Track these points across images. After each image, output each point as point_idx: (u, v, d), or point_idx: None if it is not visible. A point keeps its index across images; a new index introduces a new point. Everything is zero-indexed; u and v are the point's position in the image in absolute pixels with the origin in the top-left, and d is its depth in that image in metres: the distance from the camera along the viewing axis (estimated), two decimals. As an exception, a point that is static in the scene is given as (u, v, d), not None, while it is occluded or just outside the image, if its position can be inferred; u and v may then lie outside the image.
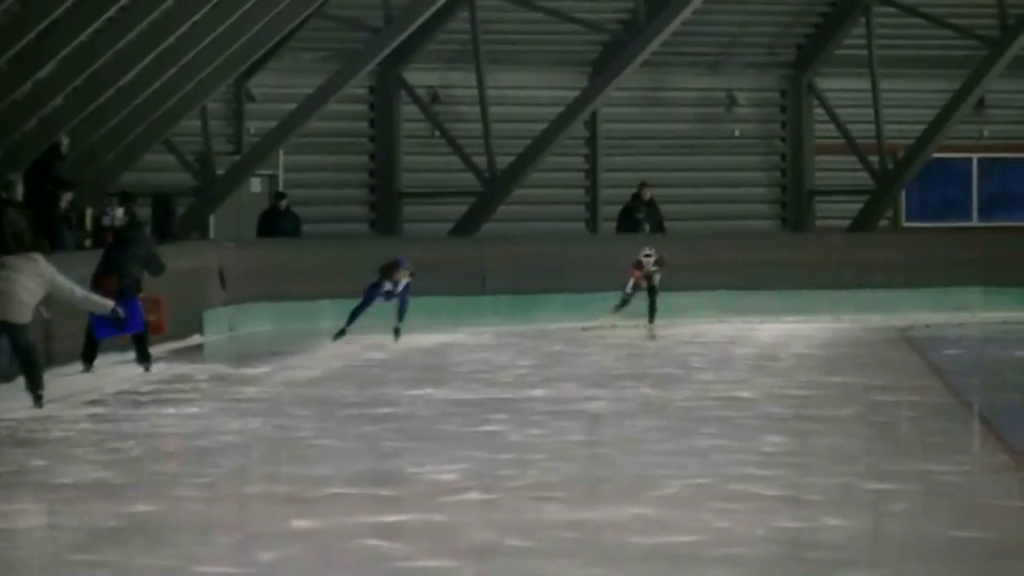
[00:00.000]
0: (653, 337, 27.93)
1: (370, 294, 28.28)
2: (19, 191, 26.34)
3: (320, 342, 30.20)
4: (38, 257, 20.40)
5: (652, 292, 29.94)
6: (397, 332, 28.38)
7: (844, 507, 13.98)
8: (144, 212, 33.73)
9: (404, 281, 27.86)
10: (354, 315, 28.43)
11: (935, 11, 41.68)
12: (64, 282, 20.39)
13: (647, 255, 29.28)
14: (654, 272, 29.16)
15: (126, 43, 28.14)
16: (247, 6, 30.81)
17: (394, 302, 28.24)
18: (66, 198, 27.30)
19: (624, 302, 29.63)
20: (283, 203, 37.27)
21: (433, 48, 40.06)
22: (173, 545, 12.55)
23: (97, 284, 23.34)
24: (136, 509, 14.11)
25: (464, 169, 40.19)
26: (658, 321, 31.34)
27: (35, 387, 20.12)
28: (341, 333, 28.26)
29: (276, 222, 36.87)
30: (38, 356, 20.36)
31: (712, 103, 42.52)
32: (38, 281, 20.08)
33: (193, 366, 23.73)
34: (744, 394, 22.30)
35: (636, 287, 29.27)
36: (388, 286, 27.92)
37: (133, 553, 12.28)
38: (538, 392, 22.04)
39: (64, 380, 23.15)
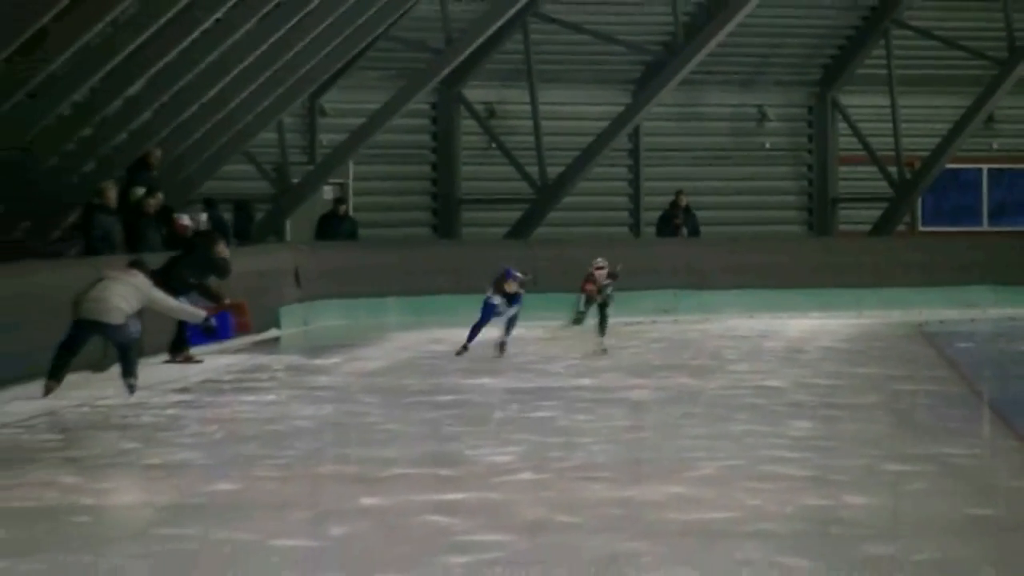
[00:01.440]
0: (604, 351, 25.03)
1: (487, 311, 24.85)
2: (113, 197, 26.34)
3: (386, 335, 30.19)
4: (137, 273, 20.50)
5: (603, 306, 25.61)
6: (502, 347, 24.78)
7: (866, 487, 13.96)
8: (225, 217, 33.68)
9: (514, 292, 24.43)
10: (474, 332, 25.00)
11: (948, 34, 41.55)
12: (160, 295, 20.47)
13: (599, 267, 25.08)
14: (607, 286, 25.13)
15: (209, 63, 28.17)
16: (320, 28, 30.83)
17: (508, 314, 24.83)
18: (153, 203, 27.28)
19: (577, 320, 25.75)
20: (342, 208, 37.20)
21: (489, 67, 40.03)
22: (251, 520, 12.57)
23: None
24: (218, 487, 14.14)
25: (518, 178, 40.17)
26: (626, 325, 30.16)
27: (127, 375, 20.18)
28: (464, 349, 24.93)
29: (335, 226, 36.82)
30: (135, 351, 20.40)
31: (744, 118, 42.43)
32: (133, 292, 20.15)
33: (270, 357, 23.74)
34: (774, 383, 22.25)
35: (589, 301, 25.33)
36: (499, 299, 24.67)
37: (214, 527, 12.30)
38: (585, 381, 22.01)
39: (153, 370, 23.18)
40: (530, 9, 38.92)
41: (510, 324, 24.88)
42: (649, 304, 33.70)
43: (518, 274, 24.80)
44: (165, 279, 23.08)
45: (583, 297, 25.22)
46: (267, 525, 12.29)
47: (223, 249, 24.38)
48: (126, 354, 20.33)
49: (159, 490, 13.92)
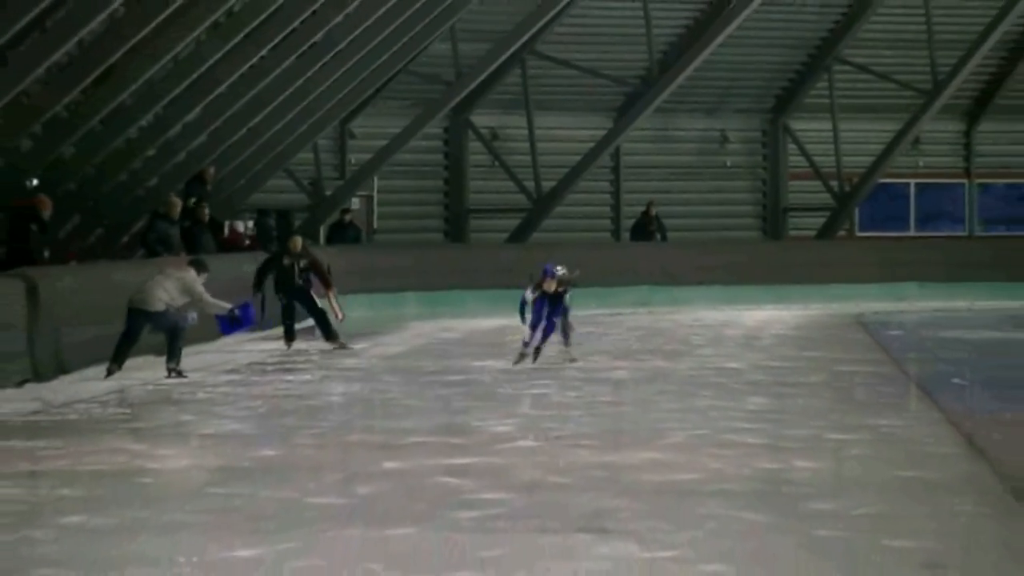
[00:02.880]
0: (573, 360, 21.14)
1: (539, 306, 20.07)
2: (178, 210, 26.39)
3: (405, 324, 30.18)
4: (189, 269, 20.47)
5: (556, 313, 20.53)
6: (569, 353, 21.02)
7: (812, 452, 13.96)
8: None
9: (554, 290, 19.78)
10: (539, 332, 20.27)
11: (882, 68, 41.53)
12: (200, 290, 20.42)
13: (554, 275, 20.15)
14: (561, 293, 20.23)
15: (254, 94, 28.17)
16: (348, 65, 30.84)
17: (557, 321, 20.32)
18: (201, 212, 27.30)
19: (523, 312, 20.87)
20: (347, 217, 37.18)
21: (493, 97, 40.00)
22: (291, 482, 12.55)
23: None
24: (262, 453, 14.14)
25: (517, 191, 40.17)
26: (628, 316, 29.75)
27: (169, 359, 20.18)
28: (533, 354, 20.39)
29: (342, 232, 36.84)
30: (179, 339, 20.36)
31: (708, 140, 42.40)
32: (178, 286, 20.12)
33: (307, 343, 23.74)
34: (734, 365, 22.25)
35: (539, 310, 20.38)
36: (530, 295, 20.01)
37: (259, 488, 12.30)
38: (571, 365, 21.99)
39: (208, 354, 23.19)
40: (527, 47, 38.89)
41: (565, 332, 20.65)
42: (627, 298, 33.75)
43: (558, 269, 20.25)
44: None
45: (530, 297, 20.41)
46: (304, 485, 12.29)
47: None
48: (170, 340, 20.31)
49: (212, 456, 13.94)
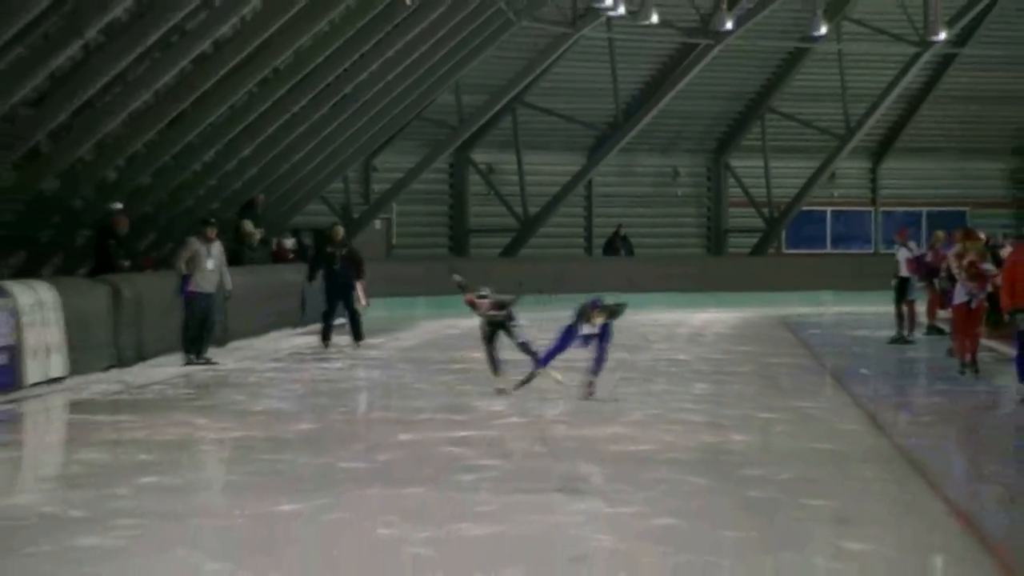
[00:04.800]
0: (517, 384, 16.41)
1: (565, 337, 16.12)
2: (250, 230, 26.53)
3: (416, 323, 30.13)
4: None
5: (508, 333, 16.45)
6: (591, 387, 15.87)
7: (745, 428, 13.95)
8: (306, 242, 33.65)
9: (601, 322, 15.74)
10: (548, 357, 16.40)
11: (804, 117, 41.57)
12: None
13: (482, 296, 16.35)
14: (502, 317, 16.29)
15: (297, 135, 28.21)
16: (372, 113, 30.84)
17: (592, 348, 15.98)
18: (258, 234, 27.29)
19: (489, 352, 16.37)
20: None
21: (489, 138, 40.01)
22: (325, 450, 12.56)
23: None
24: (301, 427, 14.13)
25: (508, 215, 40.21)
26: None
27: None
28: (529, 379, 16.26)
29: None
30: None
31: (663, 175, 42.40)
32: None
33: (338, 337, 23.68)
34: (682, 357, 22.27)
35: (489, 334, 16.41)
36: (586, 329, 15.79)
37: (299, 455, 12.30)
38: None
39: (257, 345, 23.18)
40: (517, 99, 38.92)
41: (598, 361, 16.00)
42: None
43: (608, 304, 16.08)
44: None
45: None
46: (335, 453, 12.30)
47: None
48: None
49: (260, 428, 13.93)
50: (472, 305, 16.27)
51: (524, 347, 16.44)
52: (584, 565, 8.35)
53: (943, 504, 10.13)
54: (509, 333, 16.30)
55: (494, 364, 16.39)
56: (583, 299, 16.21)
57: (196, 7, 20.84)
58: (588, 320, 15.67)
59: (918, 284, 24.29)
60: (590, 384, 15.79)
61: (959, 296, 19.07)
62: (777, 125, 41.90)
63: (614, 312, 15.76)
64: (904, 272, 24.23)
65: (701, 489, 10.68)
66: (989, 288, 19.06)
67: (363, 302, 23.11)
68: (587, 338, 15.77)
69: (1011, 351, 18.76)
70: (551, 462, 11.76)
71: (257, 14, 22.84)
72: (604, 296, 15.97)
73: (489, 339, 16.37)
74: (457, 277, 17.22)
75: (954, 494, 10.44)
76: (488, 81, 37.34)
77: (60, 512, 9.96)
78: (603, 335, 15.74)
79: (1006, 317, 16.64)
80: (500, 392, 16.03)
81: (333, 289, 23.12)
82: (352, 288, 22.93)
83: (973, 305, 18.75)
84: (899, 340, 23.76)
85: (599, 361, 15.83)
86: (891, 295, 24.44)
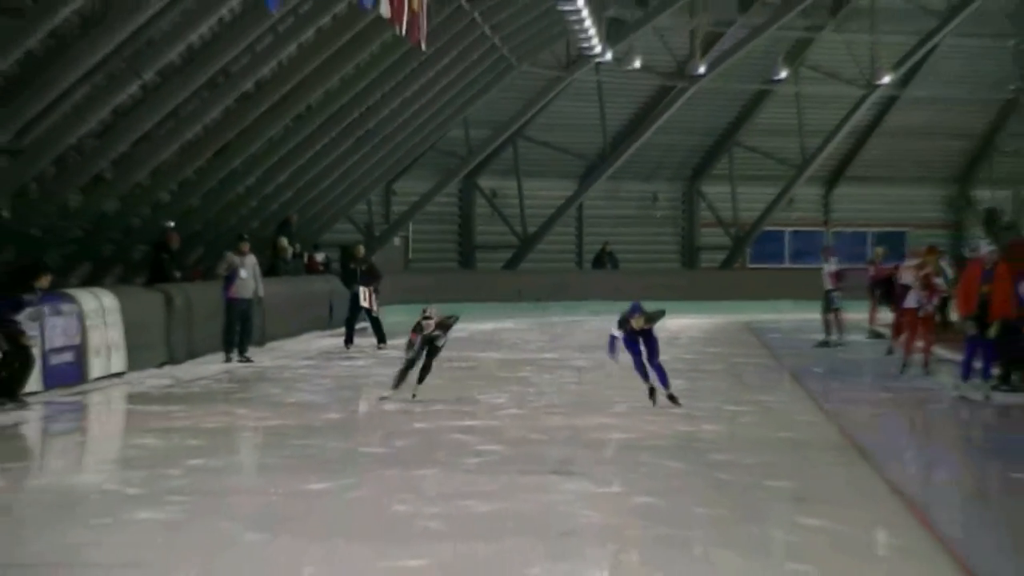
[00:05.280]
0: (414, 396, 14.91)
1: (632, 347, 14.18)
2: (286, 247, 26.54)
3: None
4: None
5: (431, 354, 15.11)
6: (673, 399, 14.05)
7: (715, 419, 13.94)
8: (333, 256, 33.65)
9: (642, 327, 14.07)
10: (641, 372, 14.14)
11: (766, 149, 41.54)
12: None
13: (427, 317, 15.13)
14: (436, 336, 15.06)
15: (325, 164, 28.20)
16: (392, 145, 30.87)
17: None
18: (292, 250, 27.28)
19: (407, 366, 15.12)
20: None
21: (493, 167, 39.97)
22: (350, 436, 12.59)
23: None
24: (329, 416, 14.12)
25: (510, 233, 40.18)
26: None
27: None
28: (653, 392, 14.01)
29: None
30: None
31: (645, 198, 42.28)
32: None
33: (361, 339, 23.65)
34: (662, 357, 22.18)
35: (411, 345, 15.15)
36: (634, 341, 14.10)
37: (327, 440, 12.29)
38: (548, 355, 21.94)
39: (292, 347, 23.15)
40: (518, 133, 38.93)
41: (659, 374, 14.23)
42: (586, 309, 33.55)
43: (644, 311, 14.38)
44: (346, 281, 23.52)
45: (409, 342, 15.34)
46: (357, 439, 12.32)
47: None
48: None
49: (293, 417, 13.92)
50: (420, 325, 14.96)
51: (423, 372, 15.07)
52: (574, 538, 8.35)
53: (886, 485, 10.13)
54: (432, 351, 15.04)
55: (401, 377, 14.94)
56: (574, 306, 15.99)
57: (240, 52, 20.87)
58: (627, 325, 14.15)
59: (837, 295, 24.26)
60: (671, 396, 14.18)
61: (910, 302, 19.11)
62: (743, 156, 41.86)
63: (652, 318, 14.20)
64: (828, 285, 24.26)
65: (677, 472, 10.69)
66: (936, 301, 19.11)
67: (365, 303, 23.03)
68: (635, 347, 14.12)
69: (947, 354, 18.84)
70: (546, 448, 11.76)
71: (293, 59, 22.88)
72: (643, 307, 14.39)
73: (411, 362, 14.98)
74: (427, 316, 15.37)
75: (896, 476, 10.43)
76: (492, 117, 37.35)
77: (119, 489, 9.97)
78: (656, 347, 14.22)
79: (958, 323, 16.61)
80: (383, 400, 14.85)
81: (355, 299, 23.12)
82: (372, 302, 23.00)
83: (921, 313, 18.78)
84: (824, 344, 23.74)
85: (659, 373, 14.23)
86: (845, 304, 24.36)
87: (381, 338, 23.06)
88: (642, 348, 14.18)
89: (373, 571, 7.46)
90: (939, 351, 19.13)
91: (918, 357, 18.73)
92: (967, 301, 14.96)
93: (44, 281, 14.77)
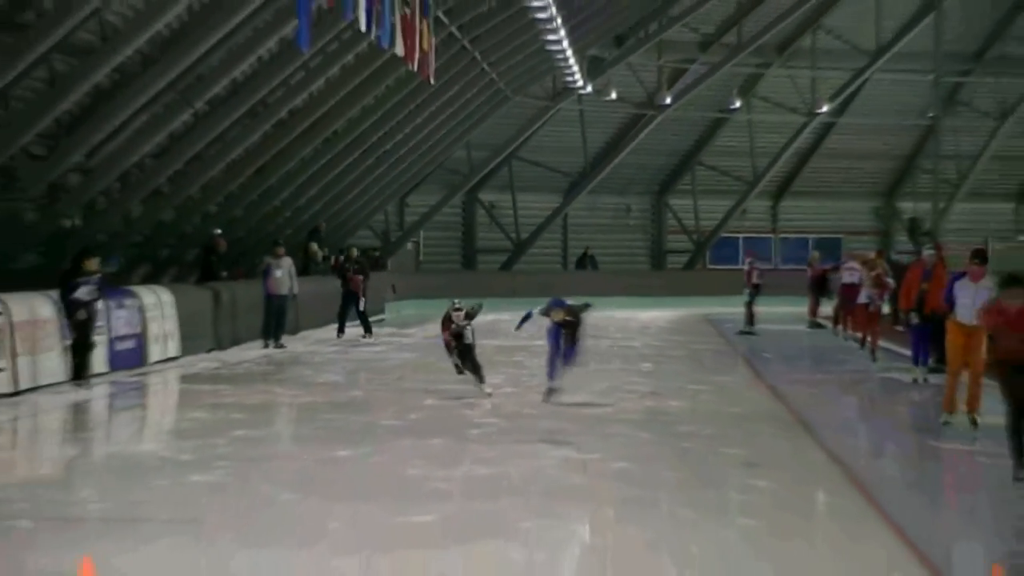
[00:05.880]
0: (489, 395, 13.25)
1: (552, 339, 12.96)
2: (315, 252, 26.53)
3: (439, 319, 30.06)
4: None
5: (469, 350, 13.35)
6: (550, 391, 12.84)
7: (678, 396, 13.93)
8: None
9: (563, 319, 12.88)
10: (553, 366, 12.87)
11: (723, 167, 41.47)
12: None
13: (457, 309, 13.41)
14: (464, 327, 13.29)
15: (349, 181, 28.17)
16: (405, 164, 30.84)
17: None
18: (320, 252, 27.22)
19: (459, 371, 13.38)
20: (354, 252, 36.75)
21: (491, 183, 39.87)
22: (369, 411, 12.55)
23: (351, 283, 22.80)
24: (352, 394, 14.13)
25: (505, 239, 40.12)
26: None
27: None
28: (551, 392, 12.76)
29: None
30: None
31: (620, 209, 42.16)
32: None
33: (380, 328, 23.64)
34: (633, 344, 22.20)
35: (450, 348, 13.43)
36: (557, 332, 12.74)
37: (350, 415, 12.29)
38: (538, 343, 21.73)
39: (318, 336, 23.12)
40: (512, 153, 38.91)
41: (566, 357, 12.91)
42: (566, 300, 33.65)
43: (567, 303, 13.24)
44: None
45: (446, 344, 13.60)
46: (377, 415, 12.29)
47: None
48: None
49: (322, 395, 13.93)
50: (450, 322, 13.45)
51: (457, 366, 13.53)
52: (559, 498, 8.35)
53: (824, 453, 10.14)
54: (461, 342, 13.41)
55: (476, 369, 13.46)
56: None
57: (276, 85, 20.88)
58: (548, 315, 12.85)
59: (749, 291, 24.48)
60: (549, 389, 12.89)
61: (862, 298, 19.22)
62: (703, 174, 41.80)
63: (573, 311, 12.82)
64: (755, 281, 24.58)
65: (647, 441, 10.69)
66: (886, 297, 19.17)
67: (361, 299, 22.71)
68: (558, 335, 12.74)
69: (886, 343, 18.87)
70: (536, 421, 11.74)
71: (321, 91, 22.90)
72: (567, 299, 13.48)
73: (451, 347, 13.52)
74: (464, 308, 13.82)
75: (832, 446, 10.44)
76: (490, 141, 37.32)
77: (174, 456, 9.96)
78: (571, 329, 12.82)
79: (903, 315, 16.66)
80: (488, 396, 13.21)
81: (346, 295, 22.74)
82: (357, 296, 22.61)
83: (871, 308, 18.84)
84: (745, 332, 23.80)
85: (569, 354, 12.87)
86: (788, 300, 24.45)
87: (366, 329, 22.92)
88: (561, 343, 12.74)
89: (390, 526, 7.45)
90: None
91: (854, 342, 18.75)
92: (908, 296, 14.97)
93: (91, 264, 14.35)
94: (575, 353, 12.95)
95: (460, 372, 13.45)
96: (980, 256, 11.47)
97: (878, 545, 7.04)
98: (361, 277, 22.87)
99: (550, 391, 12.93)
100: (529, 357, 18.66)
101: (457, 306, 13.58)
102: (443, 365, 15.36)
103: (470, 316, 13.54)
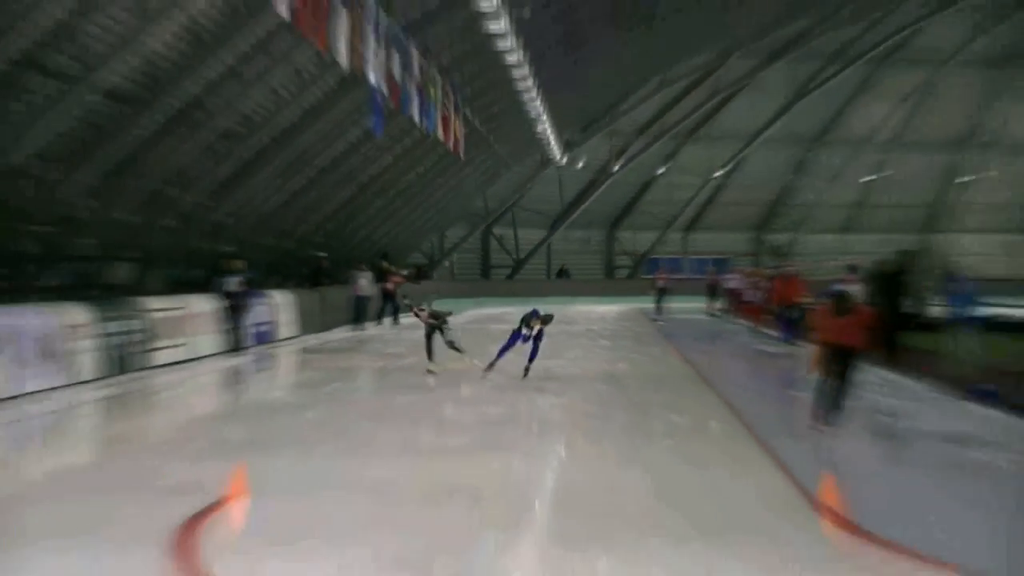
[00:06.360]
0: (477, 365, 12.22)
1: (512, 338, 11.81)
2: (385, 265, 25.22)
3: (465, 312, 29.58)
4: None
5: (433, 332, 12.45)
6: (527, 370, 11.54)
7: (624, 362, 13.81)
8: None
9: (537, 328, 11.71)
10: (501, 352, 11.85)
11: (652, 211, 41.03)
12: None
13: (421, 309, 12.59)
14: (541, 329, 11.79)
15: (407, 221, 28.06)
16: (442, 210, 30.71)
17: (529, 345, 11.64)
18: (391, 268, 26.98)
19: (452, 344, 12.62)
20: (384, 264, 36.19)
21: (501, 222, 39.68)
22: (418, 373, 12.41)
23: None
24: (409, 361, 13.98)
25: (509, 259, 39.98)
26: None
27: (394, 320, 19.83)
28: (491, 366, 11.84)
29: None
30: (367, 313, 20.17)
31: (584, 241, 41.83)
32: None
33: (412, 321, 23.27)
34: (594, 328, 22.01)
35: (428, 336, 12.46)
36: (525, 331, 11.62)
37: (406, 374, 12.15)
38: (526, 331, 21.61)
39: (384, 324, 23.01)
40: (515, 203, 38.86)
41: (532, 353, 11.63)
42: (551, 302, 33.41)
43: (541, 316, 11.88)
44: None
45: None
46: (423, 375, 12.17)
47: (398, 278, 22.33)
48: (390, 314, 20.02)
49: (389, 362, 13.85)
50: (416, 315, 12.58)
51: (451, 344, 12.34)
52: (547, 426, 8.37)
53: (717, 397, 10.15)
54: (442, 333, 12.31)
55: (429, 353, 12.34)
56: (545, 299, 15.63)
57: (359, 158, 20.56)
58: (528, 326, 11.65)
59: (657, 293, 24.59)
60: (526, 368, 11.46)
61: (748, 297, 19.29)
62: (639, 215, 41.73)
63: (546, 320, 11.69)
64: (658, 286, 24.91)
65: (605, 392, 10.67)
66: (761, 296, 19.17)
67: (401, 300, 21.45)
68: (526, 338, 11.57)
69: (769, 330, 18.80)
70: (529, 381, 11.68)
71: (389, 164, 22.57)
72: (540, 309, 12.36)
73: (429, 336, 12.46)
74: (406, 300, 13.47)
75: (723, 392, 10.44)
76: (499, 194, 37.34)
77: (294, 401, 9.99)
78: (538, 336, 11.55)
79: (772, 308, 16.71)
80: (430, 373, 11.83)
81: (384, 293, 21.53)
82: (393, 295, 21.30)
83: (755, 302, 18.87)
84: (655, 319, 23.66)
85: (533, 353, 11.50)
86: (697, 299, 24.41)
87: (395, 321, 21.37)
88: (519, 342, 11.40)
89: (434, 445, 7.49)
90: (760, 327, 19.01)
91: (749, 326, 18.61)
92: (778, 299, 14.88)
93: (236, 264, 14.56)
94: (536, 351, 11.40)
95: (430, 358, 11.77)
96: (852, 268, 11.56)
97: (747, 450, 7.12)
98: (399, 278, 22.20)
99: (491, 366, 11.45)
100: (522, 342, 18.54)
101: (422, 307, 12.06)
102: (467, 341, 15.22)
103: (435, 316, 11.99)
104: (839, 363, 8.01)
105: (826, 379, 8.11)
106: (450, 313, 12.48)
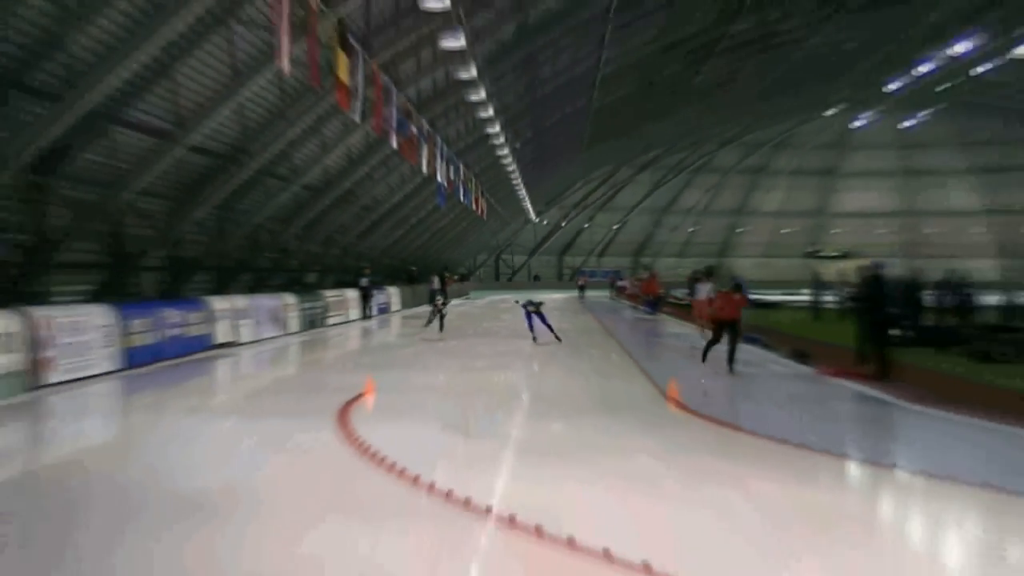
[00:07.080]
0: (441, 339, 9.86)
1: (528, 317, 9.72)
2: (445, 275, 18.46)
3: (487, 298, 25.86)
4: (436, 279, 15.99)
5: (439, 312, 10.79)
6: (556, 334, 9.76)
7: (582, 337, 10.67)
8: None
9: (533, 309, 9.69)
10: (531, 327, 9.82)
11: (583, 247, 39.09)
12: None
13: (524, 303, 9.99)
14: (539, 306, 9.91)
15: (457, 251, 27.06)
16: (469, 246, 29.55)
17: (544, 323, 9.62)
18: (450, 276, 24.56)
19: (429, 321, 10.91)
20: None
21: (504, 252, 38.35)
22: (456, 356, 8.68)
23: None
24: (449, 344, 10.17)
25: (510, 272, 38.49)
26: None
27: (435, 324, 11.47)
28: (534, 339, 9.68)
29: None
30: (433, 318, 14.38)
31: (549, 264, 39.41)
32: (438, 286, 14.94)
33: (467, 303, 21.32)
34: (551, 306, 17.93)
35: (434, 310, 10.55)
36: (530, 308, 9.73)
37: (447, 358, 8.35)
38: (515, 318, 18.91)
39: (452, 307, 21.04)
40: (511, 242, 38.09)
41: (548, 324, 9.83)
42: (531, 294, 31.97)
43: (536, 301, 9.95)
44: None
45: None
46: (463, 331, 11.38)
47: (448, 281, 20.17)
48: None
49: (452, 338, 10.67)
50: (434, 305, 10.88)
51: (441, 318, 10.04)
52: (532, 360, 8.13)
53: (616, 341, 9.80)
54: (541, 317, 9.80)
55: (430, 321, 10.48)
56: (526, 293, 13.60)
57: (414, 211, 17.52)
58: (527, 307, 9.82)
59: (580, 289, 23.14)
60: (555, 334, 9.71)
61: (630, 290, 18.48)
62: (576, 247, 39.43)
63: (537, 305, 9.92)
64: (580, 283, 23.75)
65: (564, 348, 9.33)
66: (637, 289, 18.15)
67: (441, 303, 14.75)
68: (534, 316, 9.68)
69: (641, 308, 16.95)
70: (518, 334, 10.84)
71: (447, 224, 21.19)
72: (533, 298, 10.83)
73: (435, 316, 10.53)
74: (439, 297, 11.04)
75: (618, 338, 10.02)
76: (500, 236, 36.23)
77: (397, 343, 9.68)
78: (541, 316, 9.75)
79: (643, 296, 15.99)
80: (426, 338, 9.67)
81: (442, 289, 17.68)
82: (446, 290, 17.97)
83: (633, 293, 17.64)
84: (581, 301, 21.98)
85: (549, 324, 9.81)
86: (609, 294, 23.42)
87: (441, 327, 16.64)
88: (534, 319, 9.69)
89: (464, 367, 7.42)
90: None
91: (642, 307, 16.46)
92: (643, 291, 14.13)
93: (364, 271, 14.70)
94: (546, 319, 9.70)
95: (535, 338, 9.13)
96: (708, 272, 11.32)
97: (631, 368, 7.15)
98: (453, 280, 21.15)
99: (534, 339, 9.39)
100: (513, 319, 15.00)
101: (438, 298, 10.11)
102: (484, 316, 13.77)
103: (536, 307, 9.66)
104: (729, 330, 7.38)
105: (717, 339, 7.14)
106: (543, 303, 9.87)
